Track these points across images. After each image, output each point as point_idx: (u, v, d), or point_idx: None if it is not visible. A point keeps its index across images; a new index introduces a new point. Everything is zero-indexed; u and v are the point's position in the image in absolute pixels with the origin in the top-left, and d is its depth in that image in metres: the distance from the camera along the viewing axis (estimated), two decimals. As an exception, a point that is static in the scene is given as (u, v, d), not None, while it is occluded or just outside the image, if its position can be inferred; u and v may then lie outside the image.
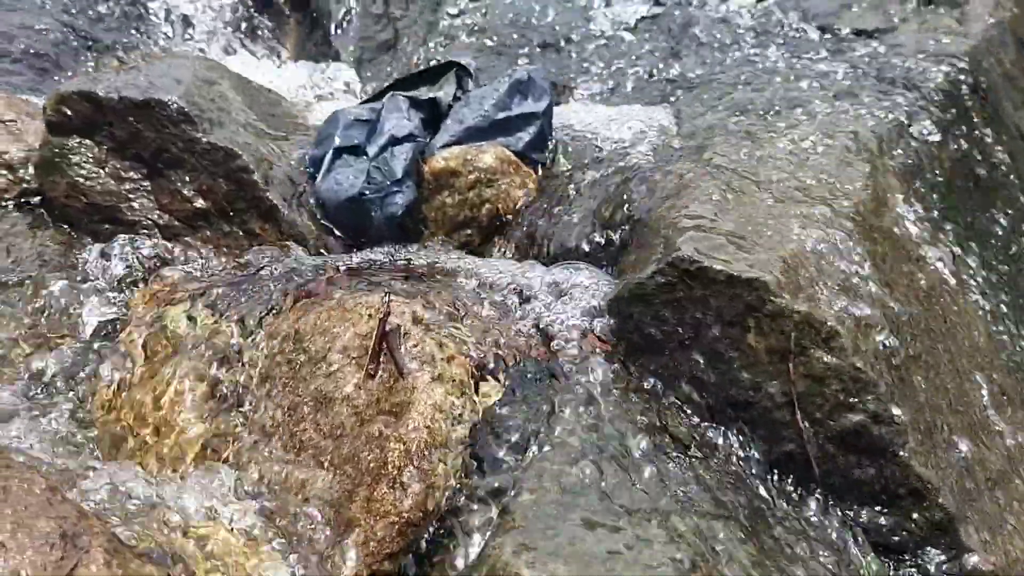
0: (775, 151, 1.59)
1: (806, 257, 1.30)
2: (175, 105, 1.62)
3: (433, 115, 1.75)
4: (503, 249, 1.64)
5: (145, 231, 1.65)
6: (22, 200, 1.73)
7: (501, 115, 1.72)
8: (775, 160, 1.55)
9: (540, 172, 1.74)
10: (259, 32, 2.90)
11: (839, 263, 1.32)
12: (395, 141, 1.64)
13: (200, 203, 1.64)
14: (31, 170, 1.72)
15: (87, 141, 1.67)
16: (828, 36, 2.37)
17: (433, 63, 2.09)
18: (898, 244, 1.50)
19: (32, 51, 2.35)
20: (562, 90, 2.13)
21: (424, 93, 1.77)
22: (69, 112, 1.65)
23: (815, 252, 1.32)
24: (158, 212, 1.66)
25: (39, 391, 1.43)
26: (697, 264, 1.25)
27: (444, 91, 1.78)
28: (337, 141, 1.67)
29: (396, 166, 1.61)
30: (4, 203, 1.72)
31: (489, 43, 2.53)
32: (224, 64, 1.99)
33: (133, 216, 1.66)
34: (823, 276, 1.29)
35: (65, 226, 1.70)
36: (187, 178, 1.64)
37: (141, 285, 1.48)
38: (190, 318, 1.36)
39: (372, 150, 1.63)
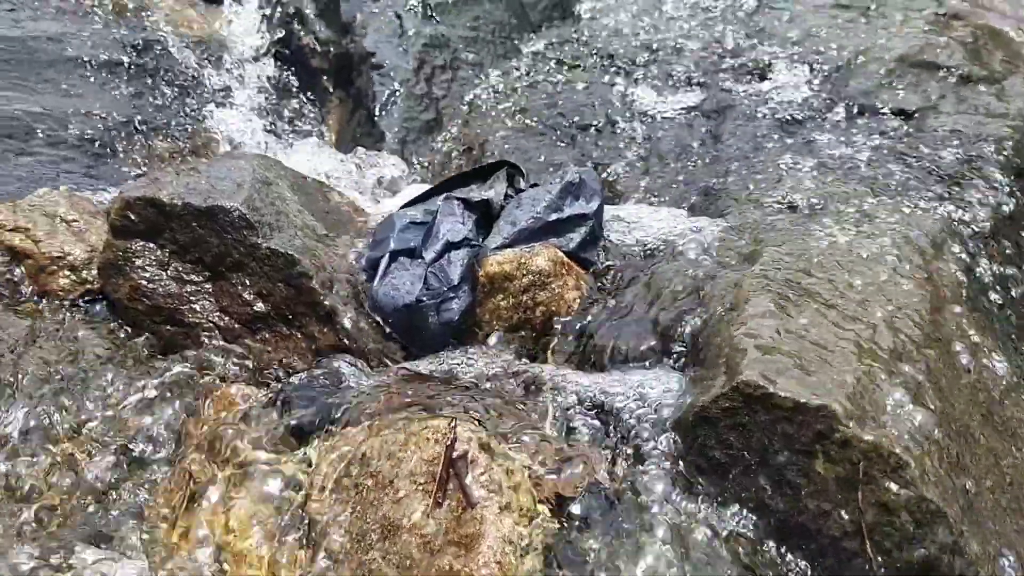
0: (826, 255, 1.59)
1: (869, 380, 1.30)
2: (237, 212, 1.65)
3: (485, 215, 1.77)
4: (558, 353, 1.65)
5: (206, 333, 1.68)
6: (85, 300, 1.77)
7: (553, 216, 1.74)
8: (827, 266, 1.56)
9: (592, 272, 1.76)
10: (303, 109, 2.96)
11: (901, 386, 1.32)
12: (451, 246, 1.66)
13: (260, 306, 1.67)
14: (94, 271, 1.76)
15: (150, 244, 1.70)
16: (869, 118, 2.38)
17: (480, 157, 2.13)
18: (955, 354, 1.49)
19: (86, 137, 2.41)
20: (608, 184, 2.16)
21: (476, 193, 1.80)
22: (133, 217, 1.69)
23: (877, 374, 1.32)
24: (218, 314, 1.69)
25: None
26: (762, 390, 1.26)
27: (495, 190, 1.81)
28: (393, 244, 1.70)
29: (452, 272, 1.63)
30: (68, 303, 1.76)
31: (530, 123, 2.56)
32: (279, 160, 2.03)
33: (194, 318, 1.69)
34: (887, 400, 1.29)
35: (127, 327, 1.73)
36: (247, 281, 1.67)
37: (201, 400, 1.50)
38: (252, 438, 1.38)
39: (428, 255, 1.66)
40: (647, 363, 1.53)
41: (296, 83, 3.00)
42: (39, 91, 2.47)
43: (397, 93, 2.62)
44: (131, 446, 1.53)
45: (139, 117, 2.55)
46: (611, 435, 1.37)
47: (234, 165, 1.81)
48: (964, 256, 1.77)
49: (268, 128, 2.67)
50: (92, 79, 2.59)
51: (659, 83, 2.72)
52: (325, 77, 2.98)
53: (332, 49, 2.93)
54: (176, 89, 2.72)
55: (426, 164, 2.45)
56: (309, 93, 2.99)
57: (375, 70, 2.68)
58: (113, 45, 2.72)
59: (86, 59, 2.62)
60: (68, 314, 1.74)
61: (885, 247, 1.64)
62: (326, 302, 1.64)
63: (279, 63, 3.03)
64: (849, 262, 1.58)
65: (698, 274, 1.63)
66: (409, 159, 2.46)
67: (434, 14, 2.88)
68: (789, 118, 2.36)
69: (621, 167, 2.27)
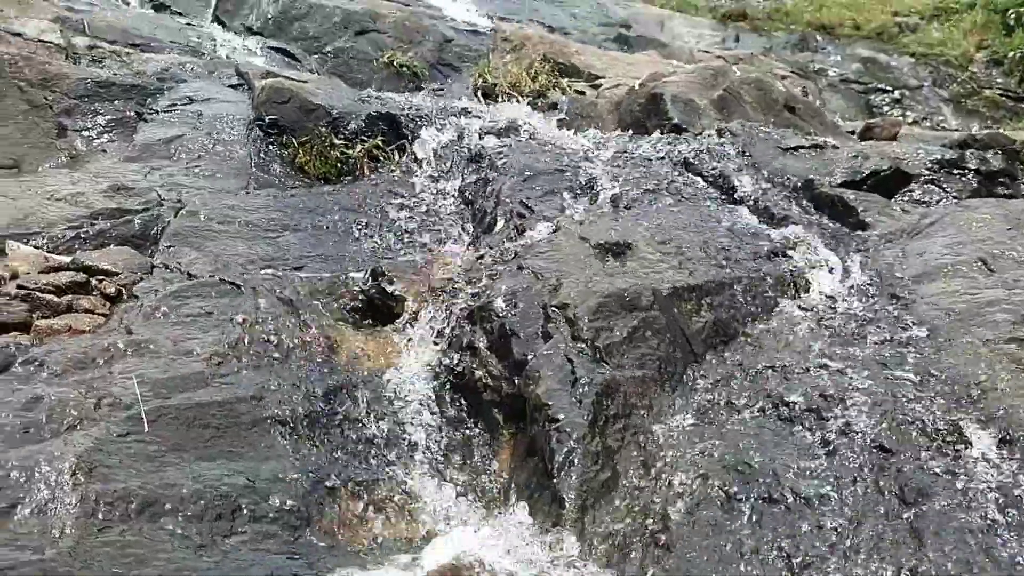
0: None
1: None
2: None
3: None
4: None
5: None
6: None
7: None
8: None
9: None
10: (473, 440, 3.04)
11: None
12: None
13: None
14: None
15: None
16: None
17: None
18: None
19: (285, 507, 2.53)
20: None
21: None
22: None
23: None
24: None
25: None
26: None
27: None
28: None
29: None
30: None
31: (711, 491, 2.55)
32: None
33: None
34: None
35: None
36: None
37: None
38: None
39: None
40: None
41: (467, 414, 3.11)
42: (244, 457, 2.62)
43: (574, 452, 2.67)
44: None
45: (332, 478, 2.67)
46: None
47: None
48: None
49: (459, 492, 2.74)
50: (289, 437, 2.75)
51: (833, 436, 2.69)
52: (496, 410, 3.07)
53: (504, 386, 3.04)
54: (363, 440, 2.85)
55: (606, 544, 2.45)
56: (480, 424, 3.09)
57: (551, 423, 2.76)
58: (305, 396, 2.90)
59: (282, 416, 2.79)
60: None
61: None
62: None
63: (452, 392, 3.16)
64: None
65: None
66: (589, 541, 2.46)
67: (603, 355, 2.97)
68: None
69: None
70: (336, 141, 5.28)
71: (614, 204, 4.32)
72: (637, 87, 6.28)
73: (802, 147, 5.13)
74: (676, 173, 4.78)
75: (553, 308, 3.14)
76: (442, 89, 8.25)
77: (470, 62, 9.08)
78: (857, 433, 2.62)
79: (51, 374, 2.60)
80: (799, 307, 3.53)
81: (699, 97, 5.90)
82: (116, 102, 5.31)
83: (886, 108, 12.15)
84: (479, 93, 7.38)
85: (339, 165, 5.26)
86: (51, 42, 5.59)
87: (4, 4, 5.96)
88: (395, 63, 8.40)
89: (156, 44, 6.67)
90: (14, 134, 4.91)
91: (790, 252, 3.92)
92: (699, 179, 4.70)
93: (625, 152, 4.98)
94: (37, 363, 2.63)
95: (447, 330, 3.29)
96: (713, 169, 4.82)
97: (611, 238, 3.64)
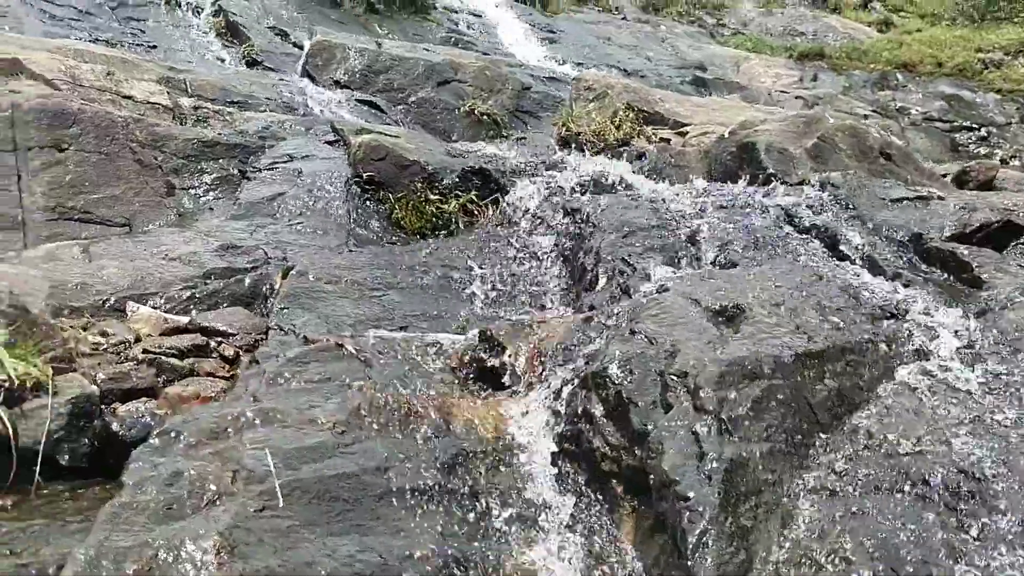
0: None
1: None
2: None
3: None
4: None
5: None
6: None
7: None
8: None
9: None
10: (592, 512, 2.99)
11: None
12: None
13: None
14: None
15: None
16: None
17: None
18: None
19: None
20: None
21: None
22: None
23: None
24: None
25: None
26: None
27: None
28: None
29: None
30: None
31: (855, 576, 2.46)
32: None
33: None
34: None
35: None
36: None
37: None
38: None
39: None
40: None
41: (585, 485, 3.06)
42: (374, 532, 2.62)
43: (708, 533, 2.60)
44: None
45: (459, 555, 2.64)
46: None
47: None
48: None
49: (584, 571, 2.69)
50: (414, 510, 2.74)
51: (982, 522, 2.57)
52: (615, 481, 3.02)
53: (624, 457, 2.99)
54: (484, 514, 2.83)
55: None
56: (599, 495, 3.03)
57: (680, 500, 2.69)
58: (426, 467, 2.89)
59: (406, 488, 2.78)
60: None
61: None
62: None
63: (568, 461, 3.12)
64: None
65: None
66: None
67: (728, 428, 2.90)
68: None
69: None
70: (431, 196, 5.35)
71: (719, 261, 4.26)
72: (727, 135, 6.23)
73: (906, 198, 5.01)
74: (778, 227, 4.71)
75: (672, 376, 3.08)
76: (524, 137, 8.33)
77: (549, 109, 9.15)
78: (1008, 518, 2.49)
79: (187, 446, 2.64)
80: (923, 372, 3.41)
81: (793, 146, 5.82)
82: (220, 161, 5.48)
83: (972, 146, 11.83)
84: (562, 141, 7.42)
85: (434, 220, 5.33)
86: (159, 103, 5.82)
87: (114, 67, 6.23)
88: (476, 111, 8.53)
89: (254, 101, 6.89)
90: (127, 194, 5.10)
91: (907, 312, 3.80)
92: (803, 233, 4.61)
93: (722, 204, 4.92)
94: (172, 434, 2.68)
95: (560, 396, 3.25)
96: (817, 222, 4.74)
97: (722, 300, 3.58)
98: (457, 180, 5.43)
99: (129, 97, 5.72)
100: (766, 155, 5.69)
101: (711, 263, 4.23)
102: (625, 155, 6.58)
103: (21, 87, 5.16)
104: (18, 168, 4.94)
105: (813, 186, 5.21)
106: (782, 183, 5.49)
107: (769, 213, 4.80)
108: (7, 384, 2.68)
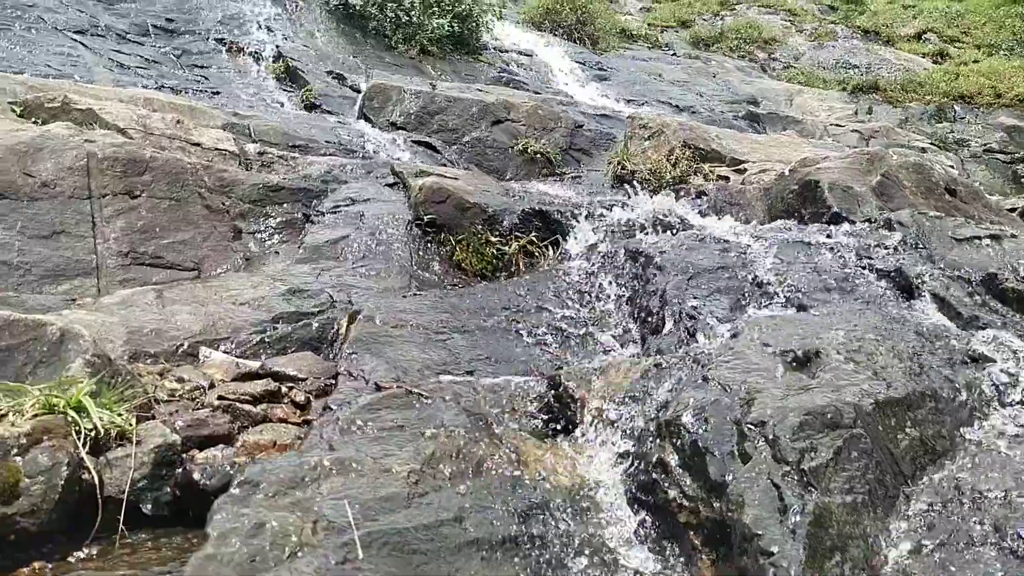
0: None
1: None
2: None
3: None
4: None
5: None
6: None
7: None
8: None
9: None
10: (668, 562, 2.93)
11: None
12: None
13: None
14: None
15: None
16: None
17: None
18: None
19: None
20: None
21: None
22: None
23: None
24: None
25: None
26: None
27: None
28: None
29: None
30: None
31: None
32: None
33: None
34: None
35: None
36: None
37: None
38: None
39: None
40: None
41: (660, 535, 3.01)
42: (451, 584, 2.60)
43: (792, 588, 2.53)
44: None
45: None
46: None
47: None
48: None
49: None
50: (492, 562, 2.71)
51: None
52: (692, 533, 2.96)
53: (701, 509, 2.93)
54: (561, 566, 2.79)
55: None
56: (676, 546, 2.98)
57: (764, 556, 2.63)
58: (501, 517, 2.87)
59: (483, 539, 2.76)
60: None
61: None
62: None
63: (642, 510, 3.07)
64: None
65: None
66: None
67: (810, 480, 2.83)
68: None
69: None
70: (491, 238, 5.39)
71: (789, 304, 4.20)
72: (787, 172, 6.17)
73: (978, 237, 4.89)
74: (847, 267, 4.63)
75: (749, 426, 3.03)
76: (578, 176, 8.35)
77: (601, 146, 9.18)
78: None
79: (267, 496, 2.66)
80: (1009, 419, 3.30)
81: (857, 183, 5.74)
82: (285, 205, 5.59)
83: (1036, 178, 11.57)
84: (618, 179, 7.42)
85: (495, 261, 5.35)
86: (226, 150, 5.97)
87: (182, 114, 6.42)
88: (529, 150, 8.59)
89: (314, 145, 7.03)
90: (196, 238, 5.22)
91: (986, 356, 3.69)
92: (873, 274, 4.53)
93: (788, 244, 4.86)
94: (253, 484, 2.70)
95: (634, 445, 3.22)
96: (887, 263, 4.64)
97: (795, 345, 3.51)
98: (517, 222, 5.46)
99: (198, 144, 5.88)
100: (830, 193, 5.61)
101: (780, 306, 4.16)
102: (683, 193, 6.55)
103: (96, 136, 5.34)
104: (93, 215, 5.09)
105: (880, 225, 5.12)
106: (847, 221, 5.41)
107: (836, 253, 4.72)
108: (93, 433, 2.73)
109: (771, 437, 2.97)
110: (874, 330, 3.75)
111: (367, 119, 8.51)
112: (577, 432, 3.47)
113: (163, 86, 8.50)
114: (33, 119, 5.68)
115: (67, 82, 7.02)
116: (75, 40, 8.91)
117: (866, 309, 4.06)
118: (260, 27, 10.32)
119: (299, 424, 3.45)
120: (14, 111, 5.78)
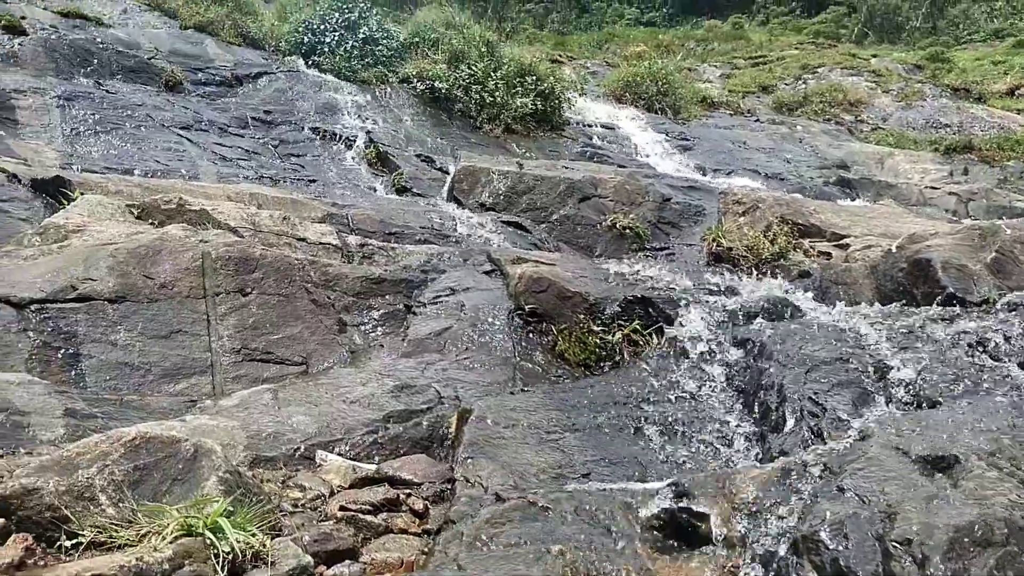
0: None
1: None
2: None
3: None
4: None
5: None
6: None
7: None
8: None
9: None
10: None
11: None
12: None
13: None
14: None
15: None
16: None
17: None
18: None
19: None
20: None
21: None
22: None
23: None
24: None
25: None
26: None
27: None
28: None
29: None
30: None
31: None
32: None
33: None
34: None
35: None
36: None
37: None
38: None
39: None
40: None
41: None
42: None
43: None
44: None
45: None
46: None
47: None
48: None
49: None
50: None
51: None
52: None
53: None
54: None
55: None
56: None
57: None
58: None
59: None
60: None
61: None
62: None
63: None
64: None
65: None
66: None
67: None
68: None
69: None
70: (594, 327, 5.35)
71: (916, 399, 4.02)
72: (895, 249, 5.99)
73: (1112, 318, 4.62)
74: (971, 356, 4.42)
75: (894, 544, 2.87)
76: (670, 251, 8.29)
77: (690, 219, 9.11)
78: None
79: (401, 622, 2.64)
80: None
81: (970, 261, 5.53)
82: (387, 296, 5.68)
83: None
84: (714, 257, 7.33)
85: (598, 351, 5.30)
86: (329, 243, 6.13)
87: (285, 207, 6.65)
88: (618, 225, 8.59)
89: (409, 231, 7.17)
90: (303, 333, 5.33)
91: None
92: (1003, 363, 4.31)
93: (908, 331, 4.68)
94: (387, 609, 2.68)
95: (769, 562, 3.08)
96: (1013, 349, 4.42)
97: (931, 449, 3.34)
98: (619, 309, 5.42)
99: (303, 239, 6.06)
100: (943, 273, 5.41)
101: (906, 403, 3.99)
102: (783, 273, 6.42)
103: (209, 236, 5.55)
104: (207, 313, 5.26)
105: (1000, 307, 4.89)
106: (962, 303, 5.19)
107: (960, 340, 4.52)
108: (231, 556, 2.76)
109: (920, 557, 2.81)
110: (1013, 430, 3.54)
111: (457, 201, 8.67)
112: (703, 543, 3.35)
113: (262, 176, 8.85)
114: (150, 220, 5.96)
115: (177, 181, 7.37)
116: (180, 136, 9.39)
117: (1000, 405, 3.85)
118: (351, 114, 10.70)
119: (419, 535, 3.43)
120: (132, 213, 6.08)
